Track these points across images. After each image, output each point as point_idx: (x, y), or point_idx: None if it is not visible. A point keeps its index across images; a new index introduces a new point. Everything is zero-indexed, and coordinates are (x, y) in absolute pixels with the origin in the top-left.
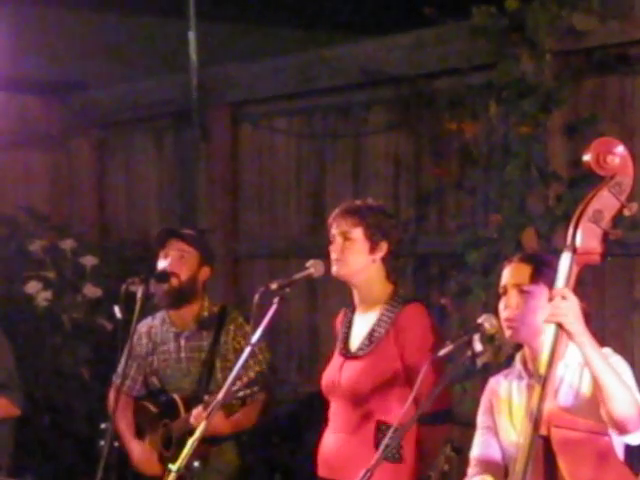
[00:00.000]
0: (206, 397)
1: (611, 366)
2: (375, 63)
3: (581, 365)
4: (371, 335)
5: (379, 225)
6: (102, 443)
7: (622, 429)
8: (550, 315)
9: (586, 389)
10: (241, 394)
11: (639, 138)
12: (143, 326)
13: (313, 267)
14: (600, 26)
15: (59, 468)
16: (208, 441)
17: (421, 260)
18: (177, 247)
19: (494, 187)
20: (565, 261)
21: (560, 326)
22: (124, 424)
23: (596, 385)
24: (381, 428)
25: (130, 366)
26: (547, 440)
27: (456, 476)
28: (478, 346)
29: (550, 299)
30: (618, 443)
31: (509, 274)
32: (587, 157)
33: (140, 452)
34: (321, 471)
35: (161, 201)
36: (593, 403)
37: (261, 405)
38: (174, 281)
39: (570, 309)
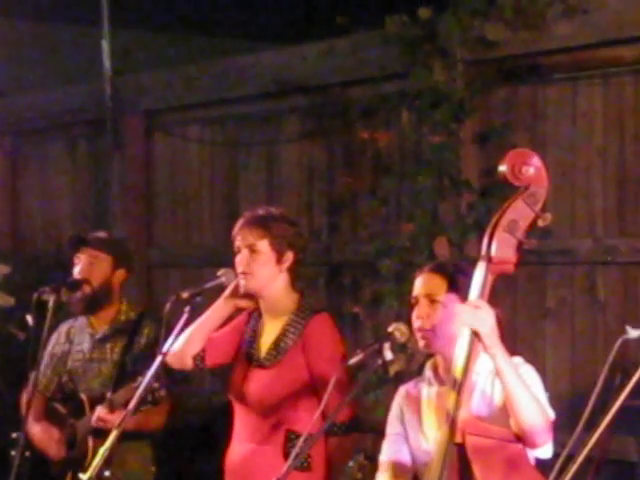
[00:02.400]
0: (108, 394)
1: (521, 378)
2: (288, 72)
3: (492, 373)
4: (278, 345)
5: (284, 235)
6: (13, 453)
7: (531, 442)
8: (465, 319)
9: (498, 397)
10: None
11: (550, 147)
12: (64, 326)
13: (224, 276)
14: (512, 36)
15: None
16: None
17: (334, 269)
18: (87, 253)
19: (407, 196)
20: (480, 271)
21: (475, 334)
22: (31, 416)
23: (506, 397)
24: (291, 437)
25: (47, 367)
26: (462, 447)
27: None
28: (388, 354)
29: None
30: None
31: (420, 284)
32: (503, 168)
33: (40, 433)
34: None
35: (75, 209)
36: (505, 411)
37: (166, 410)
38: (86, 288)
39: (486, 319)
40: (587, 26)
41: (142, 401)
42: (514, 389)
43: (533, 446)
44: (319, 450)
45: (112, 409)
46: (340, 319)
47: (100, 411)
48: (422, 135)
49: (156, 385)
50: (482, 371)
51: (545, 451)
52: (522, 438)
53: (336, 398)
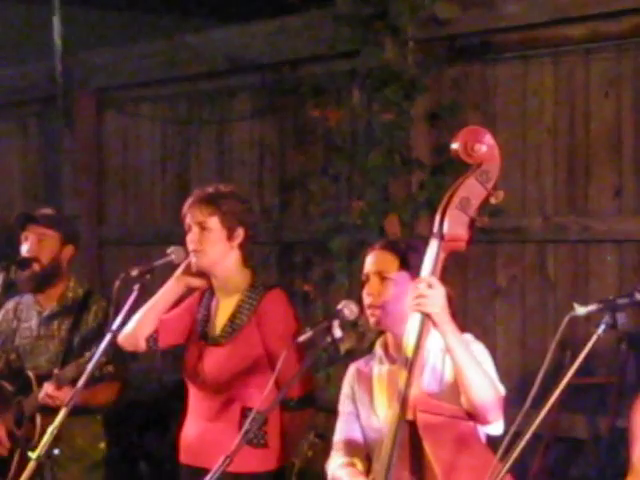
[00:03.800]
0: (56, 371)
1: (472, 355)
2: (240, 50)
3: (443, 351)
4: (232, 322)
5: (234, 211)
6: None
7: (482, 419)
8: (416, 305)
9: (449, 375)
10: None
11: (501, 125)
12: (11, 303)
13: (174, 253)
14: (462, 14)
15: None
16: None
17: (285, 247)
18: (35, 231)
19: (357, 174)
20: (432, 248)
21: (426, 315)
22: None
23: (457, 374)
24: (247, 414)
25: None
26: (413, 425)
27: (320, 462)
28: (338, 332)
29: (415, 287)
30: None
31: (371, 261)
32: (455, 145)
33: None
34: (185, 458)
35: (26, 187)
36: (456, 388)
37: (117, 386)
38: (35, 266)
39: (437, 298)
40: (537, 5)
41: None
42: (465, 366)
43: (484, 423)
44: (275, 427)
45: (59, 385)
46: (291, 297)
47: (47, 387)
48: (373, 113)
49: (103, 360)
50: (433, 348)
51: (496, 428)
52: (473, 415)
53: (288, 374)
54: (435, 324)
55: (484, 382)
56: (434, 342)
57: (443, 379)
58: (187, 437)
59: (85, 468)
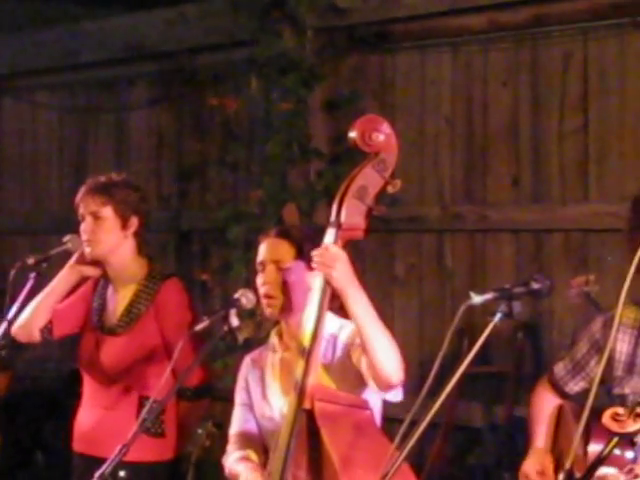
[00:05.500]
0: None
1: (376, 317)
2: (137, 38)
3: (333, 336)
4: (129, 312)
5: (127, 200)
6: None
7: (386, 382)
8: (319, 265)
9: (338, 357)
10: None
11: (399, 115)
12: None
13: (71, 242)
14: (361, 4)
15: None
16: None
17: (183, 236)
18: None
19: (256, 163)
20: (329, 237)
21: (327, 282)
22: None
23: (362, 337)
24: (144, 403)
25: None
26: (310, 413)
27: (218, 451)
28: (235, 321)
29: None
30: (378, 415)
31: (266, 250)
32: (353, 134)
33: None
34: (78, 446)
35: None
36: (345, 372)
37: (9, 375)
38: None
39: (336, 260)
40: None
41: None
42: (369, 328)
43: (387, 387)
44: (172, 416)
45: None
46: (189, 286)
47: None
48: (271, 102)
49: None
50: (324, 334)
51: (396, 394)
52: (377, 380)
53: (185, 363)
54: (338, 290)
55: (389, 345)
56: (325, 329)
57: (333, 362)
58: (82, 425)
59: None
